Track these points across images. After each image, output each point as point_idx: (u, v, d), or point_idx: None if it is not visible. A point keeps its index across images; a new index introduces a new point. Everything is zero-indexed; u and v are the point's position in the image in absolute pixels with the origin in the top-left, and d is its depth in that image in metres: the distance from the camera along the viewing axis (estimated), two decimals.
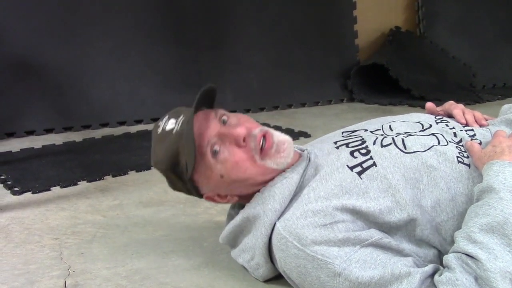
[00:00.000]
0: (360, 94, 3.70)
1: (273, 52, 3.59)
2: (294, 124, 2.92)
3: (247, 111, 3.42)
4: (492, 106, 3.39)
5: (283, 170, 1.09)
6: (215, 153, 1.04)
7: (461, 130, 1.13)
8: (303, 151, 1.16)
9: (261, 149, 1.05)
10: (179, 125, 1.05)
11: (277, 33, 3.63)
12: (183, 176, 1.07)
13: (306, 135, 2.66)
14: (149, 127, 2.99)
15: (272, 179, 1.08)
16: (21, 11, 2.91)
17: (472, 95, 3.65)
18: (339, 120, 3.08)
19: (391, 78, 3.61)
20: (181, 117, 1.06)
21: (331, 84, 3.74)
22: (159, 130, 1.09)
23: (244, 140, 1.04)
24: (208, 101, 1.13)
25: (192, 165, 1.02)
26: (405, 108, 3.42)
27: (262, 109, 3.47)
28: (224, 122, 1.08)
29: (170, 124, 1.07)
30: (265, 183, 1.08)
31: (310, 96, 3.63)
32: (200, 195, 1.13)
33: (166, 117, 1.10)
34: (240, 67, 3.48)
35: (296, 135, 2.65)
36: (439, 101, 3.45)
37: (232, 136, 1.04)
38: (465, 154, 1.05)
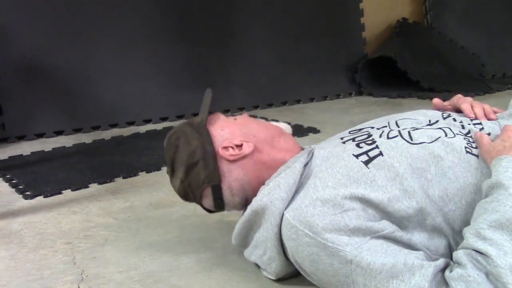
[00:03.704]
0: (368, 87, 3.69)
1: (280, 47, 3.58)
2: (303, 120, 2.91)
3: (255, 107, 3.42)
4: (503, 96, 3.37)
5: (286, 160, 1.13)
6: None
7: (469, 124, 1.12)
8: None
9: None
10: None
11: (284, 28, 3.62)
12: (200, 127, 1.15)
13: (315, 131, 2.65)
14: (158, 126, 3.00)
15: (276, 166, 1.12)
16: (29, 14, 2.93)
17: (481, 85, 3.63)
18: (347, 114, 3.07)
19: (400, 71, 3.59)
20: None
21: (339, 78, 3.73)
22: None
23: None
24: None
25: (207, 107, 1.18)
26: (414, 100, 3.40)
27: (270, 105, 3.47)
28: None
29: None
30: (273, 137, 1.17)
31: (318, 90, 3.62)
32: (214, 149, 1.13)
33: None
34: (247, 64, 3.47)
35: (305, 131, 2.64)
36: (448, 92, 3.49)
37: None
38: (474, 145, 1.05)
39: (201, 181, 1.14)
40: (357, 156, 1.04)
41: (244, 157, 1.13)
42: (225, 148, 1.13)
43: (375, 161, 1.02)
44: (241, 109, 3.36)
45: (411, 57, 3.72)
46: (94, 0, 3.08)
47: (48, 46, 2.96)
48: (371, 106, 3.28)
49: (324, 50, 3.71)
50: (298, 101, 3.55)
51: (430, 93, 3.47)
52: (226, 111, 3.26)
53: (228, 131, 1.16)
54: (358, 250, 0.92)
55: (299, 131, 2.64)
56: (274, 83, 3.53)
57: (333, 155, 1.07)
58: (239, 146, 1.13)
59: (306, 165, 1.10)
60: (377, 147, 1.05)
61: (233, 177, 1.14)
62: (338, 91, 3.68)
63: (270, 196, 1.05)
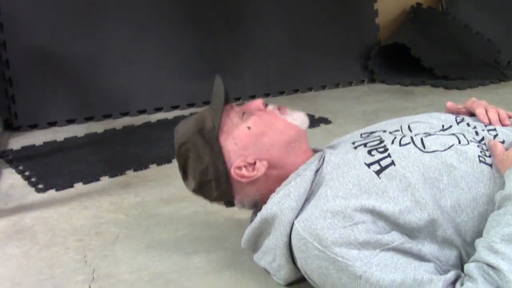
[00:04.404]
0: (381, 74, 3.64)
1: (292, 34, 3.54)
2: (314, 109, 2.89)
3: (266, 95, 3.40)
4: None
5: (297, 168, 1.10)
6: (242, 115, 1.13)
7: (483, 130, 1.10)
8: (318, 150, 1.17)
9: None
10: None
11: (296, 14, 3.57)
12: (211, 139, 1.10)
13: (326, 121, 2.63)
14: (169, 115, 2.99)
15: (286, 174, 1.10)
16: (41, 2, 2.92)
17: (496, 72, 3.57)
18: (360, 103, 3.04)
19: (413, 57, 3.54)
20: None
21: (351, 65, 3.69)
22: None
23: (263, 105, 1.16)
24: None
25: (220, 110, 1.11)
26: (428, 88, 3.36)
27: (281, 93, 3.44)
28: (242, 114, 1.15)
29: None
30: (289, 144, 1.12)
31: (330, 78, 3.59)
32: (226, 168, 1.11)
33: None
34: (259, 51, 3.44)
35: (316, 121, 2.63)
36: (462, 80, 3.43)
37: (252, 106, 1.15)
38: (487, 153, 1.03)
39: (214, 197, 1.17)
40: (369, 165, 1.03)
41: (258, 178, 1.11)
42: (238, 168, 1.10)
43: (387, 171, 1.01)
44: (252, 97, 3.34)
45: (425, 43, 3.66)
46: None
47: (59, 35, 2.96)
48: (384, 94, 3.24)
49: (337, 37, 3.67)
50: (310, 89, 3.52)
51: (444, 81, 3.43)
52: (237, 99, 3.25)
53: (241, 146, 1.10)
54: (368, 266, 0.91)
55: (310, 121, 2.58)
56: (286, 70, 3.50)
57: (345, 163, 1.06)
58: (253, 165, 1.10)
59: (317, 171, 1.09)
60: (389, 155, 1.03)
61: (245, 193, 1.15)
62: (351, 78, 3.64)
63: (280, 205, 1.05)
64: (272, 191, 1.11)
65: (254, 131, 1.11)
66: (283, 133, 1.13)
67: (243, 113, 1.14)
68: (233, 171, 1.10)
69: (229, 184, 1.12)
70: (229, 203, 1.18)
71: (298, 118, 1.16)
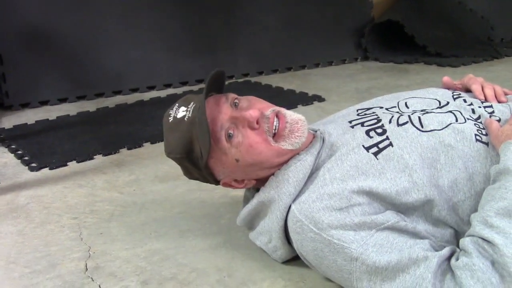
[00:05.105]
0: (375, 52, 3.64)
1: (285, 12, 3.52)
2: (308, 87, 2.88)
3: (260, 73, 3.38)
4: (511, 61, 3.31)
5: (298, 152, 1.08)
6: (229, 137, 1.02)
7: (479, 107, 1.10)
8: (316, 131, 1.15)
9: (275, 133, 1.04)
10: (191, 112, 1.04)
11: None
12: (199, 163, 1.06)
13: (320, 99, 2.63)
14: (162, 93, 2.98)
15: (288, 160, 1.07)
16: None
17: (490, 49, 3.57)
18: (353, 81, 3.03)
19: (407, 35, 3.53)
20: (192, 104, 1.05)
21: (344, 43, 3.67)
22: (170, 119, 1.07)
23: (257, 122, 1.02)
24: (217, 86, 1.12)
25: (207, 150, 1.01)
26: (421, 65, 3.36)
27: (275, 71, 3.43)
28: (235, 106, 1.06)
29: (181, 112, 1.06)
30: (281, 165, 1.08)
31: (323, 56, 3.58)
32: (217, 182, 1.13)
33: (176, 105, 1.09)
34: (251, 29, 3.41)
35: (310, 99, 2.62)
36: (455, 57, 3.43)
37: (245, 119, 1.02)
38: (484, 132, 1.03)
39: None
40: (367, 148, 1.03)
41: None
42: (227, 183, 1.12)
43: (384, 152, 1.01)
44: (245, 75, 3.33)
45: (419, 20, 3.65)
46: None
47: (51, 13, 2.92)
48: (377, 72, 3.24)
49: (330, 14, 3.64)
50: (303, 67, 3.51)
51: (437, 58, 3.43)
52: (230, 77, 3.23)
53: (230, 171, 1.08)
54: (364, 247, 0.92)
55: (304, 99, 2.62)
56: (279, 48, 3.48)
57: (343, 144, 1.06)
58: (241, 181, 1.11)
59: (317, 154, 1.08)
60: (387, 138, 1.03)
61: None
62: (344, 56, 3.63)
63: (278, 189, 1.05)
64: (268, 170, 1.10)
65: (242, 164, 1.05)
66: (273, 158, 1.06)
67: (234, 103, 1.06)
68: (221, 183, 1.13)
69: (218, 183, 1.14)
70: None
71: (294, 141, 1.05)
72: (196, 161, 1.06)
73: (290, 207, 1.04)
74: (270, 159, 1.05)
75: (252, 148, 1.03)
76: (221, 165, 1.07)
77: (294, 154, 1.08)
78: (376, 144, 1.03)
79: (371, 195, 0.97)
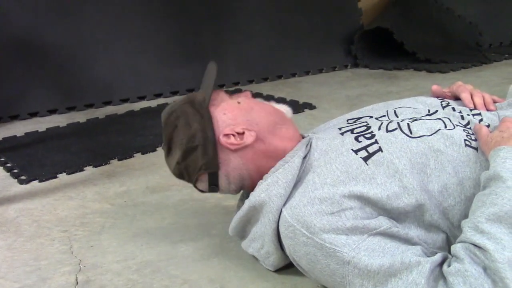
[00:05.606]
0: (364, 59, 3.65)
1: (274, 20, 3.53)
2: (299, 95, 2.88)
3: (250, 82, 3.38)
4: (499, 66, 3.34)
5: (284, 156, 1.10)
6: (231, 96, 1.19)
7: (468, 115, 1.11)
8: (305, 137, 1.17)
9: None
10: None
11: (278, 0, 3.55)
12: (200, 108, 1.12)
13: (311, 106, 2.63)
14: (152, 103, 2.97)
15: (275, 163, 1.09)
16: None
17: (478, 55, 3.59)
18: (344, 88, 3.04)
19: (396, 41, 3.55)
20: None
21: (334, 50, 3.68)
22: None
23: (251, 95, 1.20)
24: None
25: (210, 90, 1.12)
26: (411, 72, 3.37)
27: (265, 79, 3.43)
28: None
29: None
30: (275, 124, 1.14)
31: (313, 63, 3.58)
32: (214, 144, 1.10)
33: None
34: (241, 37, 3.42)
35: (301, 107, 2.62)
36: (445, 63, 3.44)
37: (241, 94, 1.20)
38: (473, 137, 1.04)
39: (199, 167, 1.12)
40: (356, 151, 1.03)
41: (245, 147, 1.11)
42: (227, 135, 1.10)
43: (374, 157, 1.01)
44: (236, 84, 3.33)
45: (408, 27, 3.67)
46: None
47: (39, 24, 2.90)
48: (367, 79, 3.25)
49: (319, 22, 3.65)
50: (294, 75, 3.51)
51: (427, 65, 3.44)
52: (220, 86, 3.23)
53: (231, 116, 1.13)
54: (356, 251, 0.92)
55: (294, 107, 2.61)
56: (269, 56, 3.48)
57: (332, 149, 1.06)
58: (241, 134, 1.11)
59: (304, 157, 1.08)
60: (376, 142, 1.04)
61: (231, 165, 1.13)
62: (334, 63, 3.64)
63: (268, 192, 1.04)
64: (259, 169, 1.11)
65: (243, 106, 1.14)
66: (271, 113, 1.16)
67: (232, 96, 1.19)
68: (221, 138, 1.10)
69: (215, 151, 1.11)
70: (214, 185, 1.15)
71: (283, 107, 1.22)
72: (199, 106, 1.12)
73: (281, 211, 1.03)
74: (267, 110, 1.17)
75: (250, 98, 1.19)
76: (222, 110, 1.13)
77: (286, 121, 1.17)
78: (364, 148, 1.03)
79: (362, 199, 0.97)
